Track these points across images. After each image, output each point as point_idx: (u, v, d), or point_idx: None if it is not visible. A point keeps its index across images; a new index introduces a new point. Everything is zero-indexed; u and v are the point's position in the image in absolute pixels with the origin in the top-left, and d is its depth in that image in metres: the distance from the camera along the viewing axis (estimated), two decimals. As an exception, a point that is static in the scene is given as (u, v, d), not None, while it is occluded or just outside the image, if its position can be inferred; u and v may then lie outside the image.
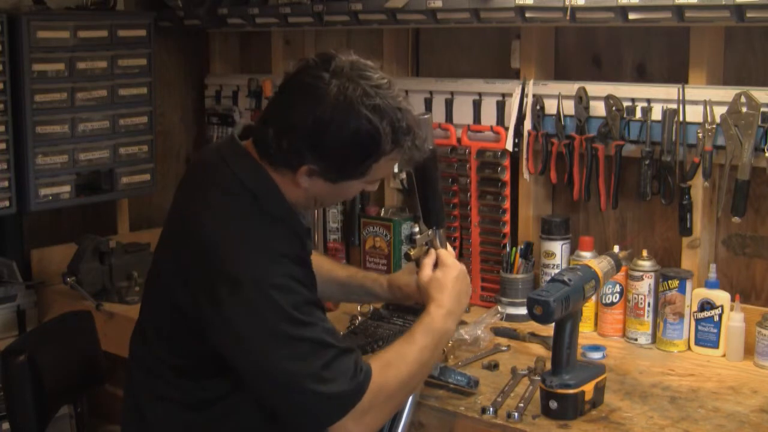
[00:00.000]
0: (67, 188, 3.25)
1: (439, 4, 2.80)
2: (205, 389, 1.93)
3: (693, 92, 2.50)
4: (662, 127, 2.53)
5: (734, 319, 2.45)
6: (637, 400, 2.19)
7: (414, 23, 3.02)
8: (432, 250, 2.15)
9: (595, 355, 2.47)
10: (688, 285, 2.52)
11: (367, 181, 1.95)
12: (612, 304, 2.63)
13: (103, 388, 2.73)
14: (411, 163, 2.01)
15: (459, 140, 2.97)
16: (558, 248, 2.77)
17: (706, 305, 2.49)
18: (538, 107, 2.78)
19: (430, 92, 3.06)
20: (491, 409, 2.12)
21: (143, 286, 2.12)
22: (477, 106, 2.95)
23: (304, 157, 1.85)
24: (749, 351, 2.43)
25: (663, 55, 2.72)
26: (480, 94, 2.95)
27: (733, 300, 2.48)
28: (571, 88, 2.71)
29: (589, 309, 2.66)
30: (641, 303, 2.57)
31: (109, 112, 3.33)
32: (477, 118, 2.95)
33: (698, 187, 2.52)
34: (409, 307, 2.63)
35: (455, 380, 2.22)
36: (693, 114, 2.49)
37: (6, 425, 2.37)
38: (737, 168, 2.41)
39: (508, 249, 2.86)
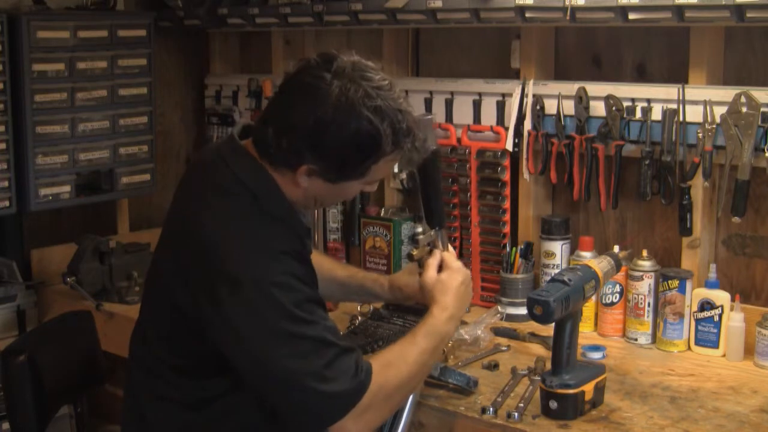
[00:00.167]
0: (67, 188, 3.25)
1: (439, 4, 2.80)
2: (205, 389, 1.93)
3: (693, 92, 2.50)
4: (662, 127, 2.53)
5: (734, 319, 2.45)
6: (637, 400, 2.19)
7: (414, 23, 3.02)
8: (437, 252, 2.15)
9: (595, 355, 2.47)
10: (688, 285, 2.52)
11: (366, 182, 1.95)
12: (612, 304, 2.63)
13: (103, 388, 2.73)
14: (411, 164, 2.02)
15: (459, 140, 2.97)
16: (558, 248, 2.77)
17: (706, 305, 2.49)
18: (538, 107, 2.78)
19: (430, 92, 3.06)
20: (491, 409, 2.12)
21: (143, 286, 2.12)
22: (477, 106, 2.95)
23: (303, 157, 1.86)
24: (749, 351, 2.43)
25: (663, 55, 2.72)
26: (480, 94, 2.95)
27: (733, 300, 2.48)
28: (571, 88, 2.71)
29: (589, 309, 2.66)
30: (641, 303, 2.57)
31: (109, 112, 3.33)
32: (477, 118, 2.95)
33: (698, 187, 2.52)
34: (409, 308, 2.63)
35: (455, 380, 2.22)
36: (693, 114, 2.49)
37: (6, 425, 2.37)
38: (737, 168, 2.41)
39: (508, 249, 2.86)
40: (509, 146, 2.84)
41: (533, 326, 2.57)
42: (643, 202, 2.62)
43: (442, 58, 3.20)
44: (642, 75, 2.76)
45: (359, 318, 2.72)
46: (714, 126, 2.44)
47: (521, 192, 2.90)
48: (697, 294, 2.51)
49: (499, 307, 2.76)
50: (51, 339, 2.53)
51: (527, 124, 2.80)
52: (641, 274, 2.57)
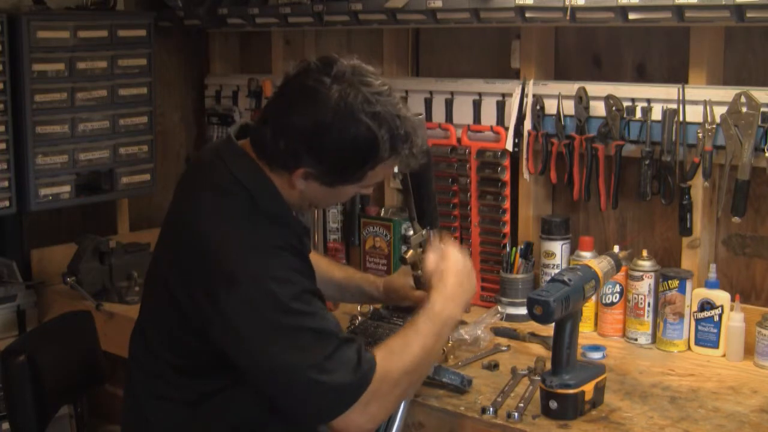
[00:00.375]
0: (67, 188, 3.25)
1: (439, 4, 2.80)
2: (206, 387, 1.93)
3: (693, 92, 2.50)
4: (662, 127, 2.53)
5: (734, 319, 2.45)
6: (637, 400, 2.19)
7: (414, 23, 3.02)
8: (437, 245, 2.15)
9: (595, 355, 2.47)
10: (688, 285, 2.52)
11: (362, 186, 1.95)
12: (612, 304, 2.63)
13: (103, 388, 2.73)
14: (408, 169, 2.01)
15: (459, 140, 2.97)
16: (558, 248, 2.76)
17: (706, 305, 2.49)
18: (538, 107, 2.78)
19: (430, 92, 3.06)
20: (491, 409, 2.12)
21: (143, 285, 2.12)
22: (477, 106, 2.95)
23: (301, 160, 1.86)
24: (749, 351, 2.43)
25: (663, 55, 2.72)
26: (480, 94, 2.95)
27: (733, 300, 2.48)
28: (571, 88, 2.71)
29: (589, 309, 2.66)
30: (641, 303, 2.57)
31: (109, 112, 3.33)
32: (477, 118, 2.95)
33: (698, 187, 2.52)
34: (408, 308, 2.62)
35: (449, 379, 2.21)
36: (693, 114, 2.49)
37: (6, 425, 2.37)
38: (737, 168, 2.40)
39: (508, 249, 2.86)
40: (509, 146, 2.84)
41: (533, 326, 2.56)
42: (643, 202, 2.62)
43: (442, 58, 3.20)
44: (642, 75, 2.76)
45: (359, 318, 2.72)
46: (714, 126, 2.44)
47: (521, 192, 2.90)
48: (697, 294, 2.51)
49: (499, 307, 2.76)
50: (51, 339, 2.52)
51: (527, 124, 2.80)
52: (641, 274, 2.57)
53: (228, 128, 3.55)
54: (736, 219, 2.44)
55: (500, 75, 2.96)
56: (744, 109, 2.38)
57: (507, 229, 2.90)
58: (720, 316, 2.47)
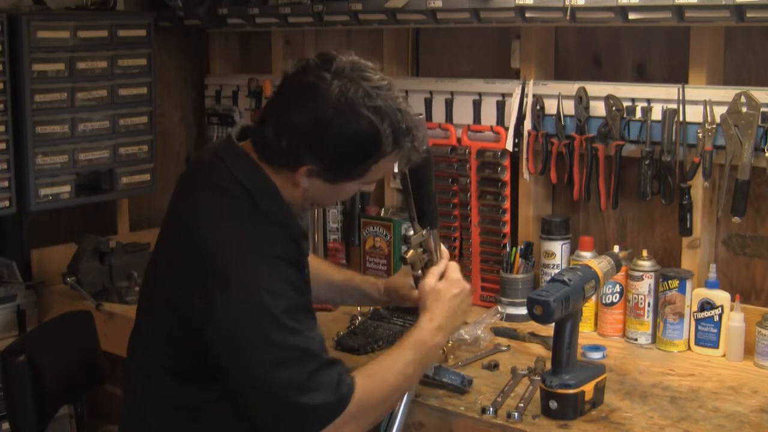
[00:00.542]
0: (67, 188, 3.25)
1: (439, 4, 2.80)
2: (202, 390, 1.93)
3: (693, 92, 2.50)
4: (662, 127, 2.53)
5: (734, 319, 2.45)
6: (637, 400, 2.19)
7: (414, 23, 3.02)
8: (443, 260, 2.16)
9: (595, 355, 2.47)
10: (688, 285, 2.52)
11: (364, 182, 1.95)
12: (612, 304, 2.63)
13: (103, 388, 2.73)
14: (410, 164, 2.02)
15: (459, 140, 2.97)
16: (558, 248, 2.76)
17: (706, 305, 2.49)
18: (538, 107, 2.78)
19: (430, 92, 3.06)
20: (491, 409, 2.11)
21: (141, 285, 2.12)
22: (477, 106, 2.95)
23: (303, 157, 1.85)
24: (749, 351, 2.43)
25: (663, 55, 2.72)
26: (480, 94, 2.95)
27: (733, 300, 2.48)
28: (571, 88, 2.71)
29: (589, 309, 2.66)
30: (641, 303, 2.57)
31: (109, 112, 3.33)
32: (477, 118, 2.95)
33: (698, 187, 2.52)
34: (409, 308, 2.63)
35: (449, 379, 2.22)
36: (693, 114, 2.49)
37: (6, 425, 2.37)
38: (737, 168, 2.40)
39: (508, 249, 2.86)
40: (509, 146, 2.84)
41: (533, 326, 2.56)
42: (643, 202, 2.62)
43: (442, 58, 3.20)
44: (642, 75, 2.76)
45: (359, 318, 2.72)
46: (714, 126, 2.44)
47: (521, 192, 2.90)
48: (697, 294, 2.51)
49: (499, 307, 2.76)
50: (51, 339, 2.53)
51: (527, 124, 2.80)
52: (641, 274, 2.57)
53: (228, 129, 3.58)
54: (736, 219, 2.44)
55: (500, 75, 2.96)
56: (744, 109, 2.38)
57: (507, 229, 2.90)
58: (720, 316, 2.47)
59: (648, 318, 2.57)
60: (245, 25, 3.41)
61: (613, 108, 2.60)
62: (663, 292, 2.54)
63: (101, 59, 3.28)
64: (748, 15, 2.30)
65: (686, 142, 2.50)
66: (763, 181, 2.50)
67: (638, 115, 2.59)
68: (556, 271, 2.67)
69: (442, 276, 2.13)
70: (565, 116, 2.73)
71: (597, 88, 2.67)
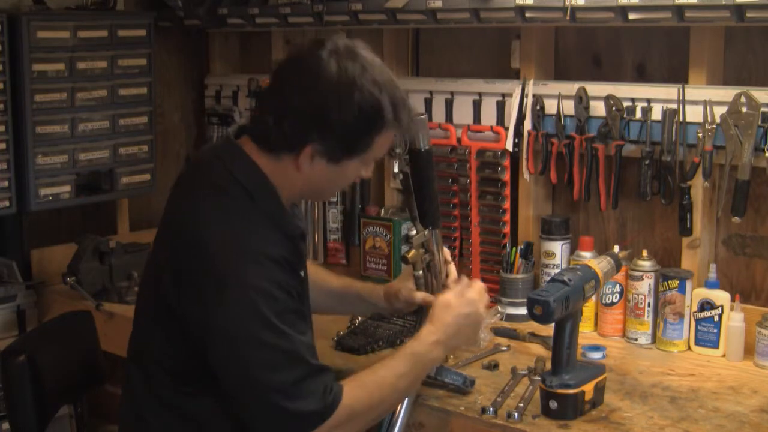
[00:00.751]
0: (67, 188, 3.25)
1: (439, 4, 2.80)
2: (202, 390, 1.92)
3: (693, 92, 2.50)
4: (662, 127, 2.53)
5: (734, 319, 2.45)
6: (637, 400, 2.19)
7: (414, 23, 3.02)
8: (465, 279, 2.15)
9: (595, 355, 2.47)
10: (688, 285, 2.52)
11: (365, 161, 1.95)
12: (612, 304, 2.63)
13: (103, 388, 2.73)
14: (407, 136, 2.03)
15: (459, 140, 2.97)
16: (558, 248, 2.76)
17: (706, 305, 2.49)
18: (538, 107, 2.78)
19: (430, 92, 3.06)
20: (491, 409, 2.11)
21: (139, 285, 2.13)
22: (477, 106, 2.95)
23: (308, 137, 1.86)
24: (749, 351, 2.43)
25: (663, 55, 2.72)
26: (480, 94, 2.95)
27: (733, 300, 2.48)
28: (571, 88, 2.71)
29: (589, 309, 2.66)
30: (641, 303, 2.57)
31: (109, 112, 3.33)
32: (477, 118, 2.95)
33: (698, 187, 2.52)
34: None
35: (451, 379, 2.21)
36: (693, 114, 2.49)
37: (6, 425, 2.37)
38: (737, 168, 2.40)
39: (508, 249, 2.86)
40: (509, 146, 2.84)
41: (533, 326, 2.56)
42: (643, 202, 2.62)
43: (442, 58, 3.20)
44: (642, 75, 2.76)
45: (359, 318, 2.72)
46: (714, 126, 2.44)
47: (521, 192, 2.90)
48: (697, 294, 2.51)
49: (499, 307, 2.76)
50: (51, 339, 2.52)
51: (527, 124, 2.80)
52: (641, 274, 2.57)
53: (228, 128, 3.58)
54: (736, 219, 2.44)
55: (500, 75, 2.96)
56: (744, 109, 2.38)
57: (507, 229, 2.90)
58: (720, 316, 2.47)
59: (648, 318, 2.57)
60: (245, 25, 3.41)
61: (613, 108, 2.60)
62: (663, 292, 2.54)
63: (101, 59, 3.28)
64: (748, 15, 2.30)
65: (686, 142, 2.50)
66: (763, 181, 2.50)
67: (638, 115, 2.59)
68: (556, 271, 2.67)
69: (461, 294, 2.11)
70: (565, 116, 2.73)
71: (597, 88, 2.67)
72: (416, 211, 2.18)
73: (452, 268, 2.26)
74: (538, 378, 2.21)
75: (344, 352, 2.52)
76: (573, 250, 2.74)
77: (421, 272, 2.20)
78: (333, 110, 1.84)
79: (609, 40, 2.81)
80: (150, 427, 1.98)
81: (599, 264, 2.20)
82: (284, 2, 3.21)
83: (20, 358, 2.30)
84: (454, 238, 2.99)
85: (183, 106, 3.88)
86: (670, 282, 2.52)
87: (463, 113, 2.98)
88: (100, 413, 3.16)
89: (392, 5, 2.90)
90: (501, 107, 2.90)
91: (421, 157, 2.16)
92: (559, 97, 2.73)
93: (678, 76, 2.61)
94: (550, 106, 2.76)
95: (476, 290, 2.13)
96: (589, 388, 2.10)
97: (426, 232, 2.17)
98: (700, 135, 2.46)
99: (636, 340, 2.59)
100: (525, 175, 2.84)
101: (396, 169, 3.09)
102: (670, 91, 2.53)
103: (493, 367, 2.38)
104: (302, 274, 1.99)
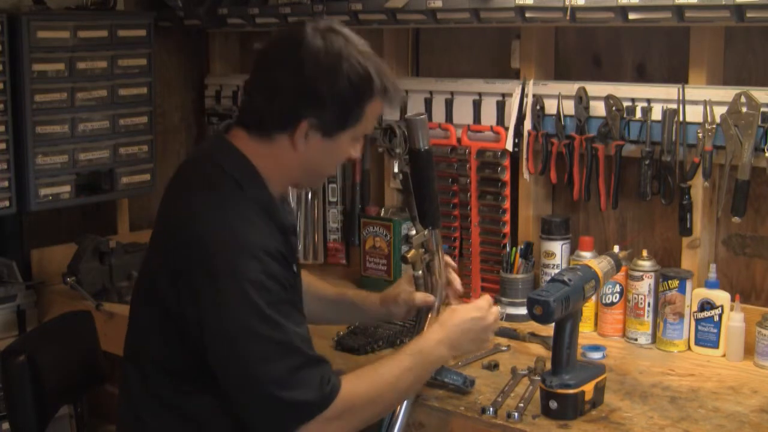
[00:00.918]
0: (67, 188, 3.24)
1: (439, 4, 2.80)
2: (200, 388, 1.92)
3: (693, 92, 2.50)
4: (662, 127, 2.53)
5: (734, 319, 2.45)
6: (637, 400, 2.19)
7: (414, 23, 3.02)
8: (486, 296, 2.16)
9: (595, 355, 2.47)
10: (688, 285, 2.52)
11: (357, 135, 1.96)
12: (612, 304, 2.63)
13: (103, 388, 2.73)
14: (393, 106, 2.07)
15: (459, 140, 2.97)
16: (558, 248, 2.76)
17: (706, 305, 2.49)
18: (538, 107, 2.78)
19: (430, 92, 3.06)
20: (491, 409, 2.12)
21: (135, 284, 2.13)
22: (477, 106, 2.95)
23: (300, 112, 1.88)
24: (749, 351, 2.43)
25: (663, 55, 2.72)
26: (480, 94, 2.95)
27: (733, 300, 2.48)
28: (571, 88, 2.71)
29: (589, 309, 2.66)
30: (641, 303, 2.57)
31: (109, 112, 3.33)
32: (477, 118, 2.95)
33: (698, 187, 2.52)
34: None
35: (451, 379, 2.21)
36: (693, 114, 2.49)
37: (6, 425, 2.37)
38: (737, 168, 2.41)
39: (508, 249, 2.86)
40: (509, 146, 2.84)
41: (533, 326, 2.57)
42: (643, 202, 2.62)
43: (442, 58, 3.20)
44: (642, 75, 2.76)
45: (359, 318, 2.72)
46: (714, 126, 2.44)
47: (521, 192, 2.90)
48: (697, 294, 2.51)
49: (499, 307, 2.75)
50: (51, 339, 2.52)
51: (527, 124, 2.80)
52: (641, 274, 2.57)
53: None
54: (736, 219, 2.44)
55: (500, 75, 2.96)
56: (744, 109, 2.38)
57: (507, 229, 2.90)
58: (720, 316, 2.47)
59: (648, 318, 2.57)
60: (245, 25, 3.41)
61: (613, 108, 2.60)
62: (663, 292, 2.54)
63: (101, 59, 3.27)
64: (748, 15, 2.30)
65: (686, 142, 2.50)
66: (763, 181, 2.50)
67: (638, 115, 2.59)
68: (556, 271, 2.67)
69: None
70: (565, 116, 2.73)
71: (597, 88, 2.67)
72: (416, 211, 2.18)
73: (455, 277, 2.25)
74: (538, 378, 2.21)
75: (344, 352, 2.52)
76: (573, 250, 2.74)
77: (420, 272, 2.20)
78: (323, 83, 1.86)
79: (609, 40, 2.81)
80: (148, 427, 1.97)
81: (599, 264, 2.20)
82: (284, 2, 3.21)
83: (20, 358, 2.30)
84: (454, 238, 2.99)
85: (183, 106, 3.87)
86: (670, 282, 2.52)
87: (463, 113, 2.98)
88: (100, 413, 3.16)
89: (392, 5, 2.90)
90: (501, 107, 2.90)
91: (421, 157, 2.16)
92: (559, 97, 2.73)
93: (678, 76, 2.61)
94: (550, 106, 2.76)
95: (485, 299, 2.14)
96: (589, 388, 2.10)
97: (426, 232, 2.17)
98: (700, 135, 2.46)
99: (636, 340, 2.59)
100: (525, 175, 2.84)
101: (396, 169, 3.09)
102: (670, 91, 2.53)
103: (493, 367, 2.38)
104: (295, 269, 1.99)
